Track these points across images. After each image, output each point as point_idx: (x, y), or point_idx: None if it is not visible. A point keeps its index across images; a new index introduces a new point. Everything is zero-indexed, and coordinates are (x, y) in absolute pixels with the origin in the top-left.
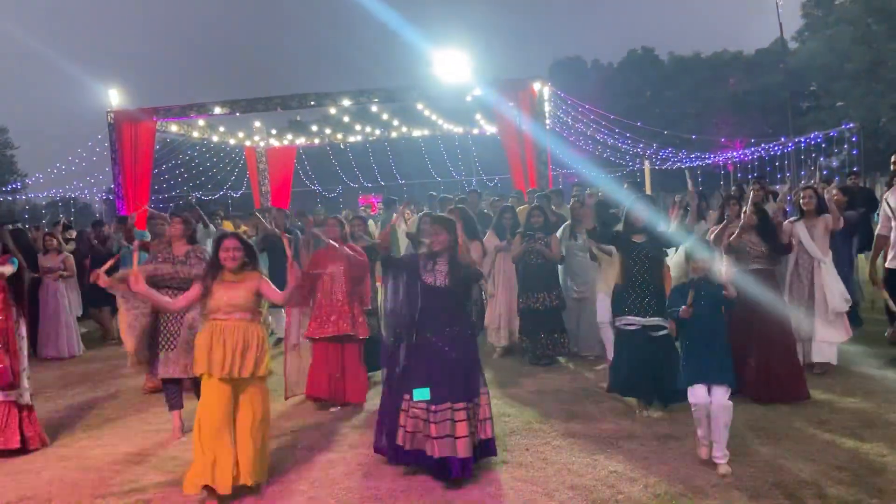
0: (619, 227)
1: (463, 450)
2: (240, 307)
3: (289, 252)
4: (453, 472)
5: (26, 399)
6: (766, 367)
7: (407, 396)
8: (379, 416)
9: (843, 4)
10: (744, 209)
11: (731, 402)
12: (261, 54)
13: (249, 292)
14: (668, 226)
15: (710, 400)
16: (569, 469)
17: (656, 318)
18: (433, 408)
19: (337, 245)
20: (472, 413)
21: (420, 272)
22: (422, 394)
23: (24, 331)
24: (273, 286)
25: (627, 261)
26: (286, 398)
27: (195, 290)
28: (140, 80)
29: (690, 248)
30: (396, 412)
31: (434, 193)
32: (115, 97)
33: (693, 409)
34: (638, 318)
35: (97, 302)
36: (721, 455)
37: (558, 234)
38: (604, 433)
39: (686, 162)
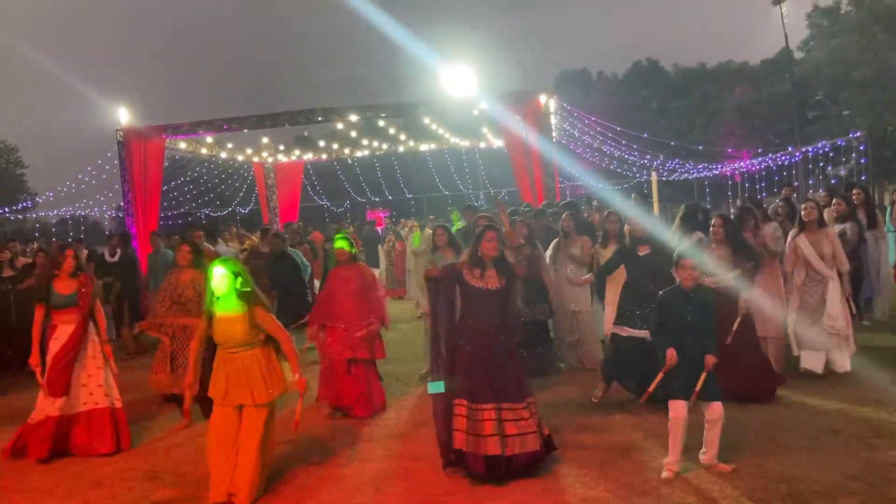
0: (626, 240)
1: (513, 447)
2: (238, 342)
3: None
4: (500, 470)
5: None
6: (729, 370)
7: (458, 401)
8: (435, 422)
9: (849, 14)
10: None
11: (723, 412)
12: (268, 71)
13: (246, 326)
14: (671, 234)
15: (705, 414)
16: (580, 481)
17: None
18: (482, 406)
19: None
20: (522, 415)
21: (467, 279)
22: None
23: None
24: (271, 318)
25: (633, 273)
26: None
27: (201, 322)
28: (149, 97)
29: (679, 255)
30: (449, 416)
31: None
32: (124, 115)
33: (670, 422)
34: (630, 331)
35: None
36: (713, 457)
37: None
38: (614, 445)
39: (693, 173)
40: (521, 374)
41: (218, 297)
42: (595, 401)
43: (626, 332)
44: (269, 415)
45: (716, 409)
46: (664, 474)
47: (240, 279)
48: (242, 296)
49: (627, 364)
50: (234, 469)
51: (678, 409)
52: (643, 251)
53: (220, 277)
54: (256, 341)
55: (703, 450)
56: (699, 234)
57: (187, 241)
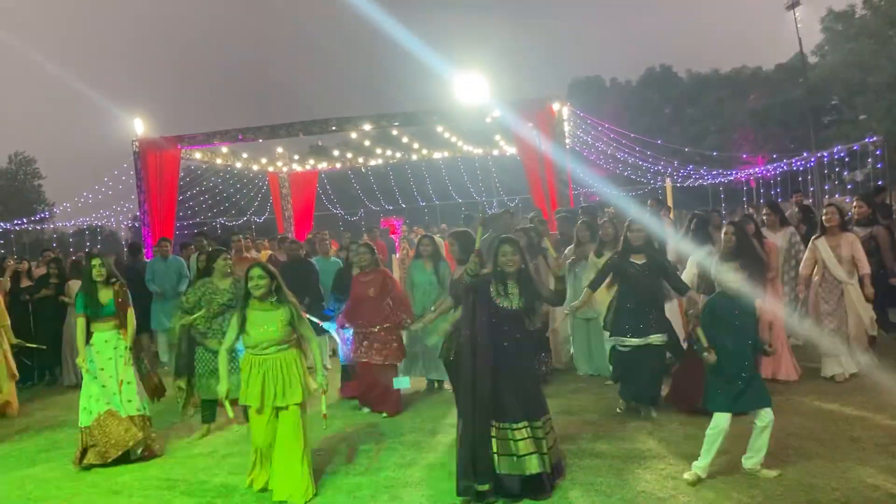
0: (619, 247)
1: (531, 467)
2: (275, 341)
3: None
4: (514, 490)
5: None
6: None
7: (496, 423)
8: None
9: (864, 18)
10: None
11: (773, 418)
12: (282, 81)
13: (283, 323)
14: (675, 239)
15: (755, 421)
16: (596, 489)
17: (658, 336)
18: (515, 426)
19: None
20: (537, 432)
21: (491, 295)
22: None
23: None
24: (305, 319)
25: (625, 282)
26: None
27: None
28: (164, 108)
29: (718, 272)
30: (481, 437)
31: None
32: (140, 126)
33: (711, 432)
34: (636, 340)
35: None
36: (758, 462)
37: (565, 253)
38: (631, 453)
39: (708, 179)
40: (529, 393)
41: (255, 298)
42: (619, 410)
43: (624, 343)
44: (304, 411)
45: (766, 415)
46: (687, 475)
47: (276, 280)
48: (279, 294)
49: (625, 374)
50: (278, 470)
51: (721, 420)
52: (639, 260)
53: (258, 279)
54: (292, 340)
55: (748, 454)
56: (710, 247)
57: (223, 251)
